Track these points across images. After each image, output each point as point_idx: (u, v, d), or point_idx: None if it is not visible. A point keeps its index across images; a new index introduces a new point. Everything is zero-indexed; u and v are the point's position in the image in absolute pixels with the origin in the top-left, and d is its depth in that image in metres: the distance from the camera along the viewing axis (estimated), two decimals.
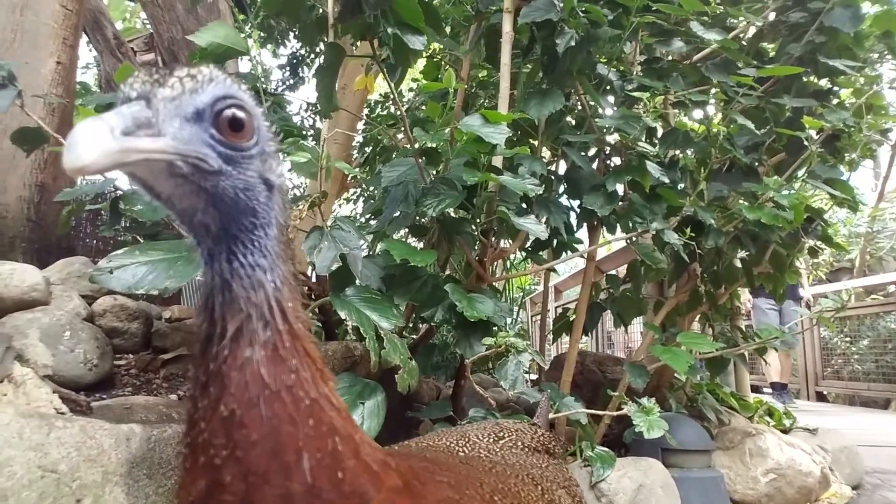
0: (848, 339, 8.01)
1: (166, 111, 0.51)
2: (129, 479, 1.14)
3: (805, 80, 2.66)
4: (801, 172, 2.51)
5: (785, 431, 2.89)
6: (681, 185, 2.52)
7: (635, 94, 2.23)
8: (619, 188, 2.26)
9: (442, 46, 3.28)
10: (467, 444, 1.01)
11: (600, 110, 2.44)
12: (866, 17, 2.51)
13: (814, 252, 2.89)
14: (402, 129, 2.03)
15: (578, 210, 2.42)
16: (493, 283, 2.46)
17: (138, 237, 1.92)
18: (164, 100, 0.51)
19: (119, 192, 1.90)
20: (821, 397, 7.84)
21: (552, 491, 0.93)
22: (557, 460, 1.17)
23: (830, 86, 2.75)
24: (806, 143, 2.38)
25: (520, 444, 1.10)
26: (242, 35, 1.84)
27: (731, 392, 3.09)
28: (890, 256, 10.44)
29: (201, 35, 1.72)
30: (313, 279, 2.14)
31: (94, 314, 1.80)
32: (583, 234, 2.55)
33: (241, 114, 0.54)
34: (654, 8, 2.23)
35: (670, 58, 2.79)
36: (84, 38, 3.98)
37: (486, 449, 1.02)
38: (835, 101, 2.67)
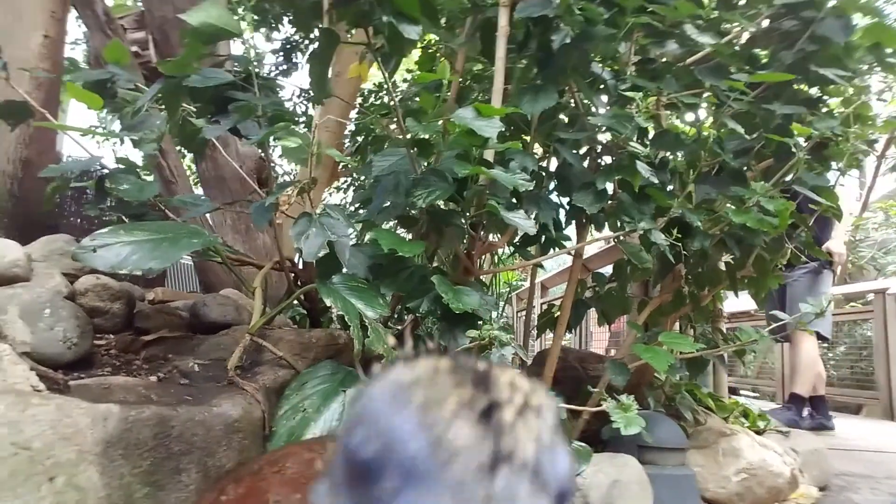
0: (825, 344, 8.16)
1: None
2: (105, 458, 1.13)
3: (796, 87, 2.69)
4: (788, 178, 2.55)
5: (759, 433, 2.95)
6: (670, 187, 2.55)
7: (628, 93, 2.24)
8: (609, 187, 2.28)
9: (437, 38, 3.26)
10: None
11: (593, 109, 2.45)
12: (857, 28, 2.54)
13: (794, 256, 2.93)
14: (395, 119, 2.02)
15: (568, 207, 2.44)
16: (481, 277, 2.47)
17: (123, 217, 1.90)
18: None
19: (105, 171, 1.87)
20: None
21: None
22: None
23: (820, 94, 2.79)
24: (794, 149, 2.41)
25: None
26: (236, 17, 1.81)
27: (708, 393, 3.14)
28: (870, 265, 10.63)
29: (193, 14, 1.70)
30: (300, 265, 2.13)
31: (76, 293, 1.78)
32: (570, 231, 2.57)
33: None
34: (649, 9, 2.24)
35: (664, 59, 2.80)
36: (73, 14, 3.90)
37: None
38: (824, 110, 2.71)
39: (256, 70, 1.87)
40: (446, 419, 0.31)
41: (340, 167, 5.80)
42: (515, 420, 0.32)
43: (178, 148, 4.02)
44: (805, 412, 4.24)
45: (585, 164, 2.52)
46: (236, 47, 3.85)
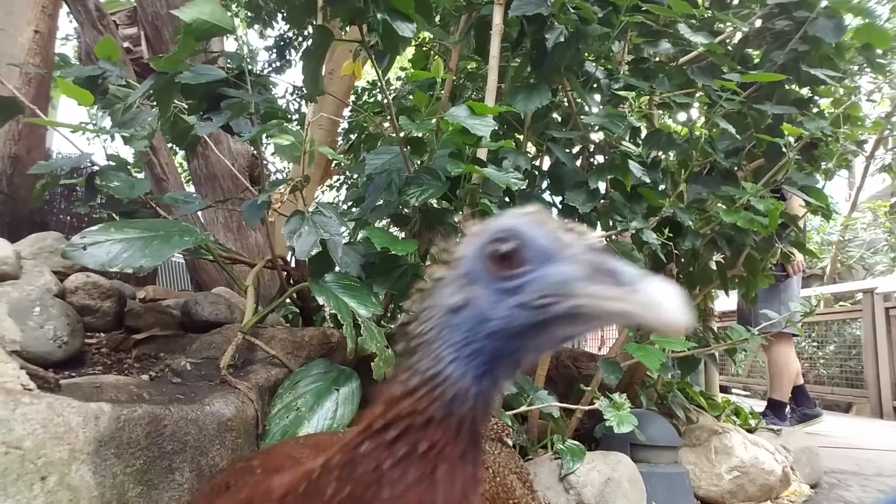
0: (815, 343, 8.24)
1: None
2: (97, 457, 1.12)
3: (787, 87, 2.71)
4: (778, 178, 2.57)
5: (750, 431, 2.97)
6: (661, 186, 2.56)
7: (621, 93, 2.25)
8: (602, 186, 2.28)
9: (431, 36, 3.26)
10: None
11: (586, 108, 2.46)
12: (848, 29, 2.56)
13: (785, 257, 2.96)
14: (388, 117, 2.02)
15: (560, 206, 2.44)
16: None
17: (114, 214, 1.88)
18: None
19: (95, 168, 1.86)
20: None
21: (504, 475, 0.97)
22: (510, 449, 1.21)
23: (811, 94, 2.81)
24: (784, 149, 2.43)
25: None
26: (229, 13, 1.80)
27: (700, 391, 3.16)
28: (859, 265, 10.74)
29: (186, 10, 1.68)
30: (292, 264, 2.13)
31: (66, 291, 1.76)
32: None
33: None
34: (643, 8, 2.25)
35: (657, 59, 2.81)
36: (64, 9, 3.86)
37: None
38: (814, 111, 2.73)
39: (249, 67, 1.86)
40: (556, 228, 0.55)
41: (333, 165, 5.79)
42: (585, 232, 0.55)
43: (169, 145, 3.99)
44: (786, 411, 4.28)
45: (578, 163, 2.53)
46: (229, 44, 3.83)
